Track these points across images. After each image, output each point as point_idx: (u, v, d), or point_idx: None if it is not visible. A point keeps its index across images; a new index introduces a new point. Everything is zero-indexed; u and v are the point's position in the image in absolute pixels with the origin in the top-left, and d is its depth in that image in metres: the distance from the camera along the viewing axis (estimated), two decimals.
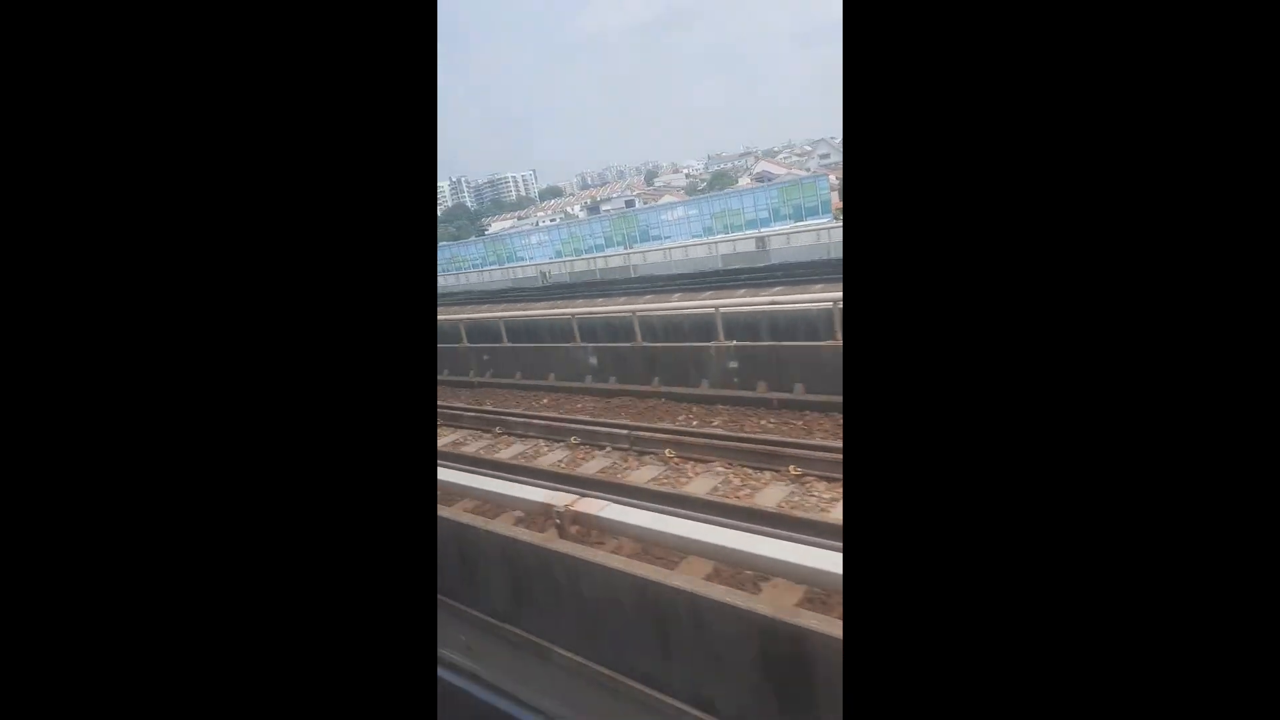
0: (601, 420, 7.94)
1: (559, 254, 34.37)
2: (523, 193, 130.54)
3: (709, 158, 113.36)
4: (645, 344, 9.13)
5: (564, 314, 11.18)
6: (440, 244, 49.40)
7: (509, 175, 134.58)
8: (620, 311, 10.85)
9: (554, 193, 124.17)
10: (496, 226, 72.20)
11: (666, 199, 45.22)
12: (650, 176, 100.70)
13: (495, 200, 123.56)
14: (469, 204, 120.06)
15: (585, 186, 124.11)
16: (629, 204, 58.05)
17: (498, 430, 8.46)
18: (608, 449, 7.19)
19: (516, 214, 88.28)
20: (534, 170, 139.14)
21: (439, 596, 4.04)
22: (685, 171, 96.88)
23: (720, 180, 71.82)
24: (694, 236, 27.86)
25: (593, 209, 64.37)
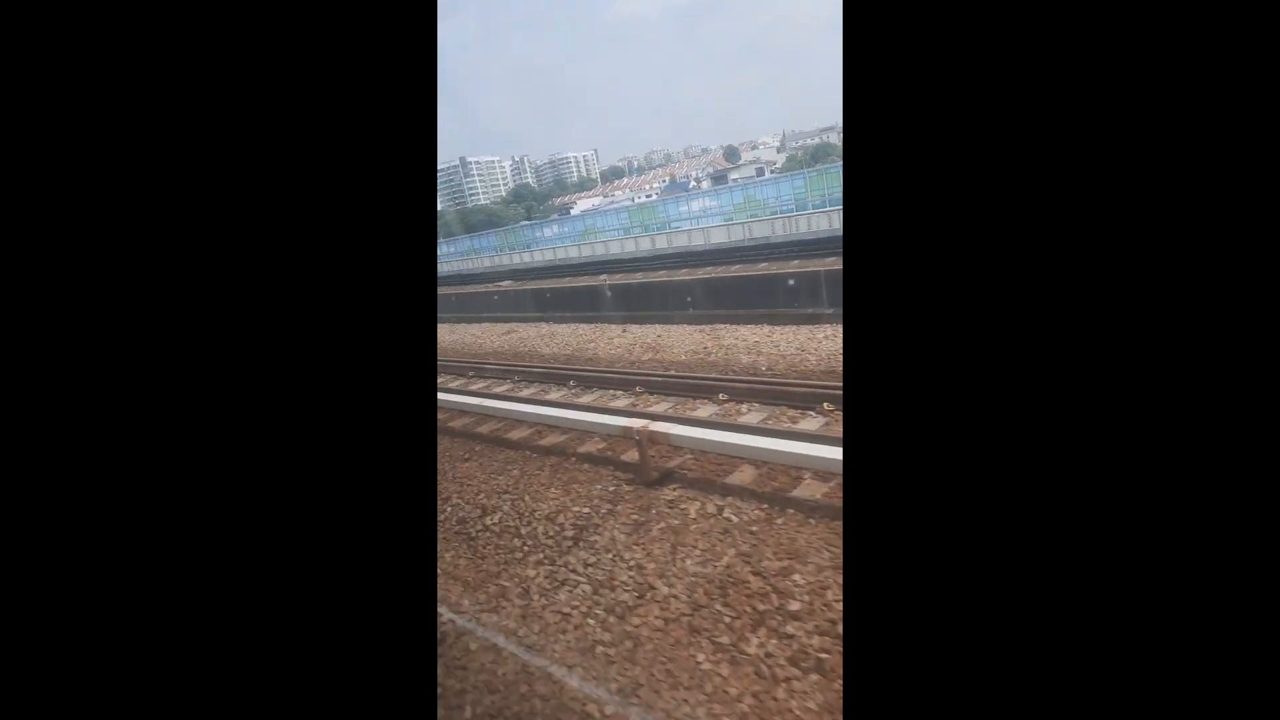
0: None
1: (729, 219, 29.55)
2: (584, 173, 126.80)
3: (785, 134, 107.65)
4: None
5: None
6: (555, 218, 45.21)
7: (570, 155, 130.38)
8: None
9: (616, 173, 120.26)
10: (583, 204, 67.99)
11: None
12: (731, 153, 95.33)
13: (557, 180, 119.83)
14: (532, 184, 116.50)
15: (636, 169, 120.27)
16: (759, 172, 53.35)
17: None
18: None
19: (599, 192, 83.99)
20: (595, 150, 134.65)
21: None
22: (776, 146, 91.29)
23: (829, 152, 66.12)
24: None
25: (718, 177, 59.47)
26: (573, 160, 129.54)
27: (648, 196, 64.22)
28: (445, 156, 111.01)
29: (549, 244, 36.49)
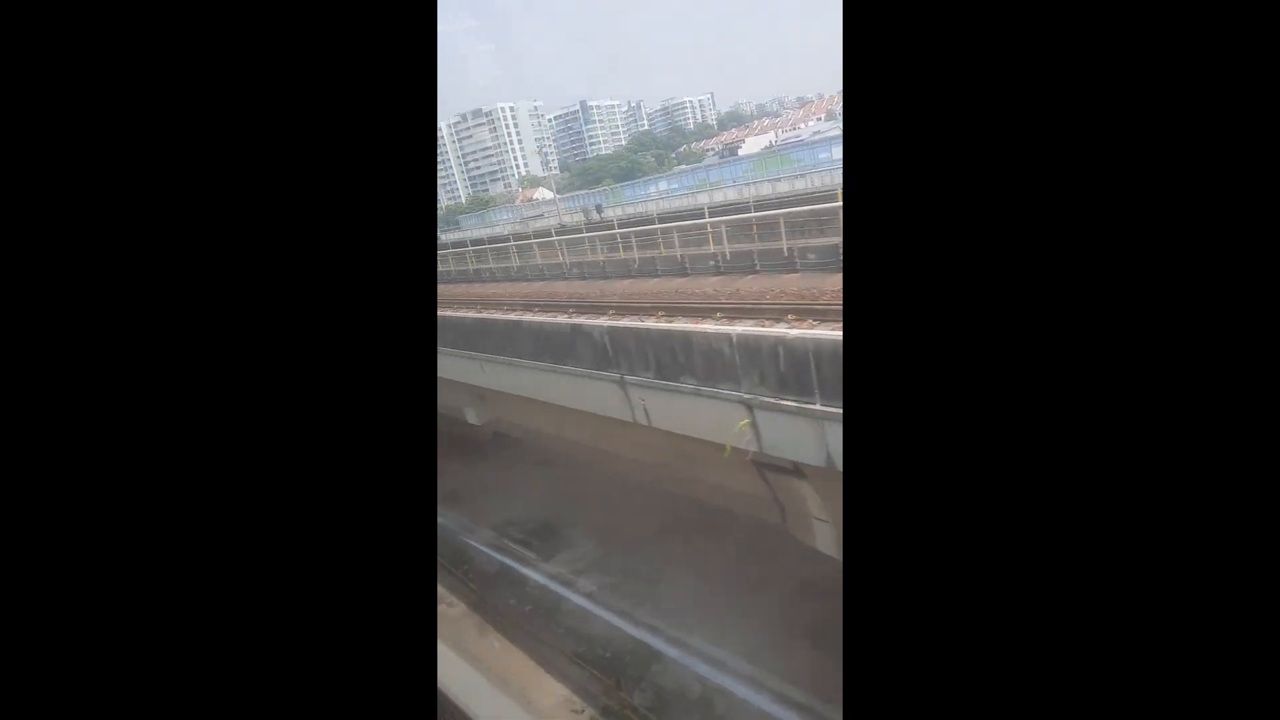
0: None
1: None
2: (699, 119, 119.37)
3: None
4: None
5: None
6: (780, 148, 39.68)
7: (686, 100, 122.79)
8: None
9: (735, 119, 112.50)
10: (754, 143, 61.72)
11: None
12: None
13: (673, 127, 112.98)
14: (649, 129, 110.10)
15: (749, 116, 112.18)
16: None
17: None
18: None
19: (771, 130, 77.17)
20: (711, 94, 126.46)
21: None
22: None
23: None
24: None
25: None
26: (688, 105, 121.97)
27: (820, 133, 57.60)
28: (494, 102, 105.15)
29: (835, 165, 31.86)
